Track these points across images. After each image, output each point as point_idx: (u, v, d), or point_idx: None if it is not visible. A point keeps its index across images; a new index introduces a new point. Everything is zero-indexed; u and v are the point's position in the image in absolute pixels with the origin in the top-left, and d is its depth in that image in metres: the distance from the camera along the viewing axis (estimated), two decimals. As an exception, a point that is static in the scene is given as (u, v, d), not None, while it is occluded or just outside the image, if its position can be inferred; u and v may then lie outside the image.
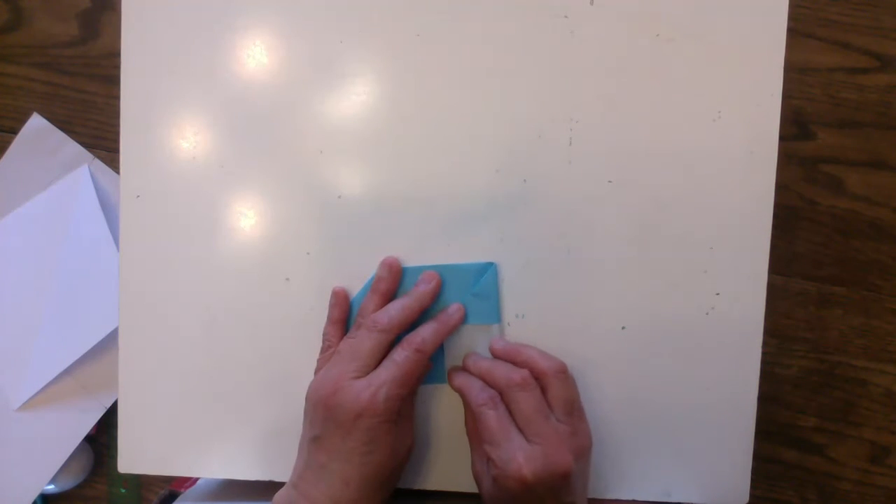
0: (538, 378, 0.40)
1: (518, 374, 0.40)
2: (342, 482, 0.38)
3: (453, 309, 0.43)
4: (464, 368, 0.43)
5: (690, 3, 0.44)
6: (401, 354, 0.40)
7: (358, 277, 0.45)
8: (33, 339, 0.84)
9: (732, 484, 0.44)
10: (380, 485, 0.40)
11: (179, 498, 0.54)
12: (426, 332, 0.41)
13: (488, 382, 0.41)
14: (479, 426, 0.39)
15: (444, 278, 0.44)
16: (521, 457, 0.37)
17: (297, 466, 0.41)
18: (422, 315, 0.43)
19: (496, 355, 0.43)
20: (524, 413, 0.39)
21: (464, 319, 0.43)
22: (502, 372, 0.40)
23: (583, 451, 0.40)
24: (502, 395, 0.40)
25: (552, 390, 0.40)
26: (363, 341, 0.40)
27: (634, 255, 0.44)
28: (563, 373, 0.40)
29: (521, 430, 0.39)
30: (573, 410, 0.40)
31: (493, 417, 0.39)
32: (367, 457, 0.39)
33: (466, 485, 0.44)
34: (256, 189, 0.45)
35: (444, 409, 0.45)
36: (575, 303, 0.44)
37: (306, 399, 0.41)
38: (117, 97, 0.45)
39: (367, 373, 0.40)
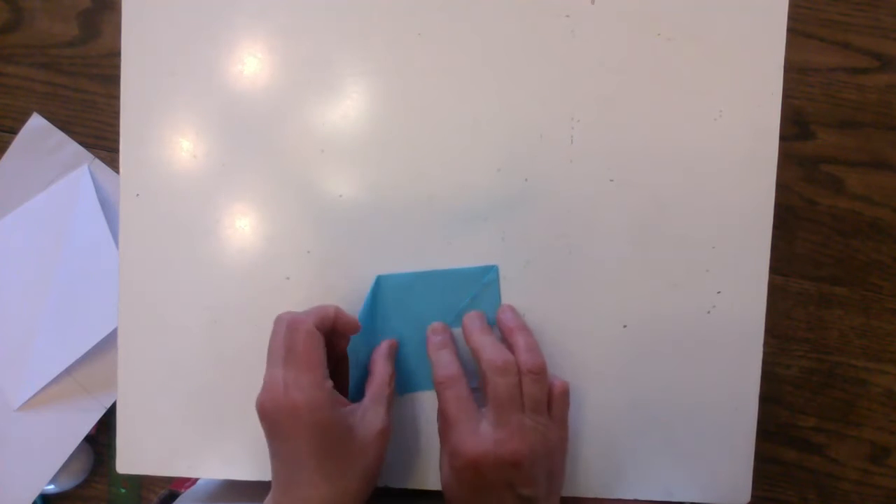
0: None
1: (501, 359, 0.39)
2: (310, 486, 0.37)
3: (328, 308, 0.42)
4: (463, 330, 0.42)
5: (691, 3, 0.44)
6: (290, 340, 0.38)
7: (358, 276, 0.45)
8: (33, 339, 0.84)
9: (734, 483, 0.44)
10: (353, 475, 0.38)
11: (179, 498, 0.54)
12: (308, 311, 0.40)
13: (476, 357, 0.40)
14: (439, 404, 0.39)
15: (444, 283, 0.44)
16: (472, 437, 0.37)
17: (272, 483, 0.40)
18: (407, 320, 0.44)
19: (498, 324, 0.43)
20: (495, 396, 0.38)
21: (337, 315, 0.41)
22: (489, 353, 0.39)
23: (547, 447, 0.39)
24: (483, 375, 0.39)
25: (522, 386, 0.39)
26: (274, 340, 0.39)
27: (636, 254, 0.44)
28: (538, 373, 0.39)
29: (487, 415, 0.38)
30: (539, 411, 0.39)
31: (450, 396, 0.38)
32: (321, 453, 0.37)
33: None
34: (257, 188, 0.45)
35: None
36: (576, 302, 0.44)
37: None
38: (117, 97, 0.45)
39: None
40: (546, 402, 0.40)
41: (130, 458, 0.46)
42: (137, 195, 0.46)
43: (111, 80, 0.89)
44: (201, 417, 0.46)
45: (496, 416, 0.38)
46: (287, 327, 0.39)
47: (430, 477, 0.45)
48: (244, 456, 0.46)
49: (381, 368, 0.42)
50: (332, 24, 0.45)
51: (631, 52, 0.44)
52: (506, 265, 0.44)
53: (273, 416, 0.37)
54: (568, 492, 0.44)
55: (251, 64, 0.45)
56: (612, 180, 0.44)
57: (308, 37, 0.45)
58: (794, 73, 0.85)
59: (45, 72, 0.89)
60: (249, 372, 0.46)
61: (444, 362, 0.40)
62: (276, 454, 0.39)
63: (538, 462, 0.38)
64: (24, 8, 0.89)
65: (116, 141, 0.45)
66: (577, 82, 0.44)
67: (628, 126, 0.44)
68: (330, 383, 0.38)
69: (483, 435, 0.37)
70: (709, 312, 0.44)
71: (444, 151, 0.44)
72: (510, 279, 0.44)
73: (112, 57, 0.88)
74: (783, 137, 0.43)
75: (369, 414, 0.40)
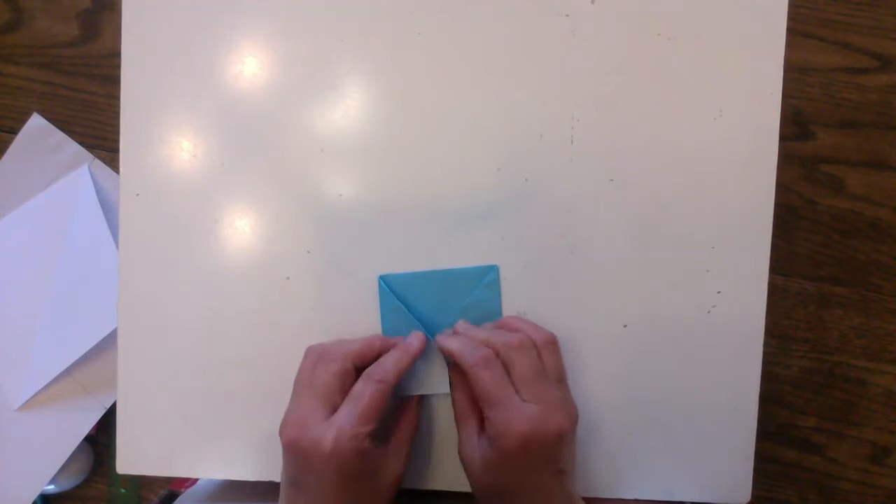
0: None
1: (516, 337, 0.39)
2: None
3: (413, 337, 0.42)
4: (455, 334, 0.42)
5: (691, 3, 0.44)
6: (361, 389, 0.39)
7: (358, 277, 0.45)
8: (33, 339, 0.84)
9: (734, 483, 0.44)
10: None
11: (179, 498, 0.54)
12: (387, 363, 0.40)
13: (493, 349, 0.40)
14: (476, 388, 0.38)
15: (445, 283, 0.44)
16: (520, 416, 0.37)
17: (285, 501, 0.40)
18: (408, 320, 0.43)
19: (499, 326, 0.43)
20: (522, 374, 0.38)
21: (424, 346, 0.42)
22: (499, 336, 0.40)
23: (573, 420, 0.39)
24: (499, 358, 0.39)
25: (543, 359, 0.40)
26: (320, 375, 0.40)
27: (636, 254, 0.44)
28: (554, 344, 0.40)
29: (517, 391, 0.38)
30: (562, 380, 0.40)
31: (489, 377, 0.38)
32: (344, 494, 0.38)
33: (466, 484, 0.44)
34: (257, 187, 0.45)
35: (444, 410, 0.45)
36: (576, 302, 0.44)
37: (279, 436, 0.40)
38: (117, 97, 0.45)
39: (334, 410, 0.39)
40: (565, 372, 0.41)
41: (130, 458, 0.46)
42: (137, 195, 0.46)
43: (111, 80, 0.89)
44: (201, 417, 0.46)
45: (529, 394, 0.38)
46: (321, 362, 0.40)
47: (429, 477, 0.45)
48: (244, 456, 0.46)
49: (411, 416, 0.43)
50: (332, 24, 0.45)
51: (631, 52, 0.44)
52: (506, 265, 0.44)
53: (297, 451, 0.38)
54: (568, 492, 0.44)
55: (251, 64, 0.45)
56: (612, 180, 0.44)
57: (308, 37, 0.45)
58: (794, 73, 0.85)
59: (45, 72, 0.89)
60: (249, 372, 0.46)
61: (471, 347, 0.40)
62: (295, 482, 0.39)
63: (571, 434, 0.38)
64: (24, 8, 0.89)
65: (116, 141, 0.45)
66: (577, 82, 0.44)
67: (628, 126, 0.44)
68: (364, 431, 0.38)
69: (530, 412, 0.37)
70: (709, 312, 0.44)
71: (444, 151, 0.45)
72: (510, 279, 0.44)
73: (112, 57, 0.88)
74: (783, 137, 0.43)
75: (393, 458, 0.41)
